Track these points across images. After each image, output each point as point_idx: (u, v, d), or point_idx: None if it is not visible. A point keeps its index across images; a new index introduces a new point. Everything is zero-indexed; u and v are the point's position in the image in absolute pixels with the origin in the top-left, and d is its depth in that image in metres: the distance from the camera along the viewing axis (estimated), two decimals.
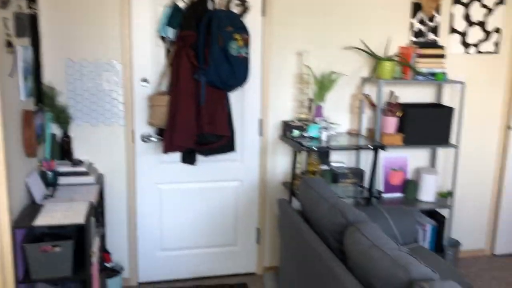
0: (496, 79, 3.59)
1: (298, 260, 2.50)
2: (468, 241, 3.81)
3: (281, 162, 3.34)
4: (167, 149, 2.88)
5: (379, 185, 3.50)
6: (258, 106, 3.23)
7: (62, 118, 2.88)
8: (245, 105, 3.20)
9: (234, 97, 3.16)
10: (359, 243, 1.94)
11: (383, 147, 3.03)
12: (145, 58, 2.99)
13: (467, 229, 3.79)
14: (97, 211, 2.80)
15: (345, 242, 2.05)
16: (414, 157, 3.59)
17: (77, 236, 2.39)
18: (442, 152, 3.61)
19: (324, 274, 2.09)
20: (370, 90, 3.37)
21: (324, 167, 3.34)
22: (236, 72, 2.86)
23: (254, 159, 3.30)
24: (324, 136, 3.11)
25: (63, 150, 2.91)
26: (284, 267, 2.85)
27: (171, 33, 2.92)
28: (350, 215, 2.20)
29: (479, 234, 3.84)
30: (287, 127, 3.17)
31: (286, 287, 2.79)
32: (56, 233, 2.35)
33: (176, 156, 3.15)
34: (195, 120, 2.86)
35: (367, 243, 1.91)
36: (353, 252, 1.94)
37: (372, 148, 3.06)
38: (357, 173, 3.33)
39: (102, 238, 3.01)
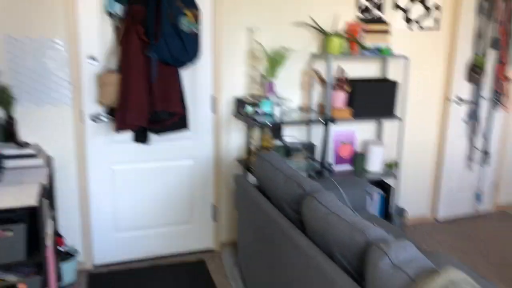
0: (436, 54, 3.77)
1: (257, 233, 2.56)
2: (413, 208, 4.04)
3: (235, 139, 3.36)
4: (120, 128, 2.82)
5: (330, 158, 3.61)
6: (210, 82, 3.21)
7: (4, 98, 2.74)
8: (197, 82, 3.18)
9: (185, 74, 3.12)
10: (317, 211, 2.01)
11: (333, 121, 3.13)
12: (92, 35, 2.89)
13: (412, 197, 4.01)
14: (48, 194, 2.71)
15: (303, 211, 2.12)
16: (362, 130, 3.73)
17: (29, 220, 2.31)
18: (388, 125, 3.77)
19: (284, 244, 2.15)
20: (319, 65, 3.44)
21: (278, 142, 3.40)
22: (188, 48, 2.83)
23: (207, 137, 3.30)
24: (277, 111, 3.15)
25: (7, 132, 2.78)
26: (242, 240, 2.90)
27: (119, 8, 2.83)
28: (306, 185, 2.27)
29: (423, 201, 4.07)
30: (240, 103, 3.19)
31: (245, 260, 2.84)
32: (7, 217, 2.26)
33: (128, 135, 3.09)
34: (147, 98, 2.81)
35: (324, 210, 1.98)
36: (311, 220, 2.01)
37: (323, 122, 3.14)
38: (309, 147, 3.42)
39: (54, 221, 2.92)
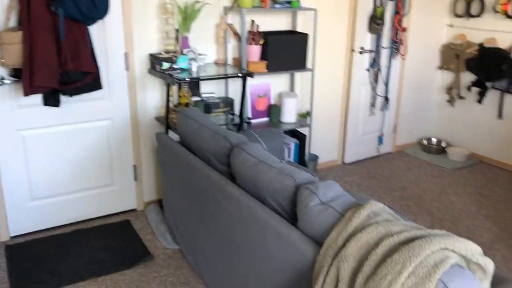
0: (341, 7, 3.95)
1: (185, 188, 2.60)
2: (324, 154, 4.32)
3: (151, 97, 3.31)
4: (28, 91, 2.64)
5: (247, 111, 3.70)
6: (122, 39, 3.09)
7: None
8: (108, 38, 3.04)
9: (94, 30, 2.97)
10: (246, 161, 2.10)
11: (251, 75, 3.20)
12: None
13: (323, 143, 4.28)
14: None
15: (232, 163, 2.20)
16: (276, 83, 3.85)
17: None
18: (299, 76, 3.94)
19: (216, 195, 2.22)
20: (232, 19, 3.45)
21: (196, 98, 3.40)
22: (97, 3, 2.68)
23: (123, 96, 3.20)
24: (194, 67, 3.14)
25: None
26: (169, 197, 2.93)
27: None
28: (233, 138, 2.35)
29: (332, 147, 4.36)
30: (155, 60, 3.12)
31: (173, 215, 2.89)
32: None
33: (37, 98, 2.90)
34: (56, 57, 2.65)
35: (253, 160, 2.08)
36: (241, 170, 2.10)
37: (241, 76, 3.20)
38: (227, 101, 3.47)
39: None
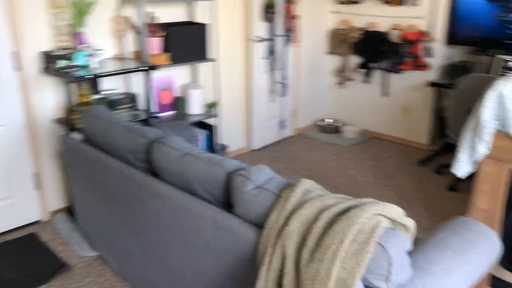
0: None
1: (102, 191, 2.47)
2: (232, 142, 4.37)
3: (48, 98, 3.07)
4: None
5: (152, 106, 3.61)
6: (8, 37, 2.81)
7: None
8: None
9: None
10: (170, 155, 2.06)
11: (155, 68, 3.12)
12: None
13: (230, 132, 4.33)
14: None
15: (153, 159, 2.14)
16: (178, 75, 3.80)
17: None
18: (202, 67, 3.93)
19: (139, 194, 2.15)
20: (129, 12, 3.32)
21: (97, 96, 3.23)
22: None
23: (15, 99, 2.92)
24: (93, 63, 2.98)
25: None
26: (81, 203, 2.76)
27: None
28: (150, 133, 2.29)
29: (240, 135, 4.44)
30: (49, 58, 2.90)
31: (88, 221, 2.73)
32: None
33: None
34: None
35: (176, 153, 2.05)
36: (165, 165, 2.06)
37: (144, 69, 3.11)
38: (131, 97, 3.35)
39: None
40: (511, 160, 2.13)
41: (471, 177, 3.71)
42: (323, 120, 5.19)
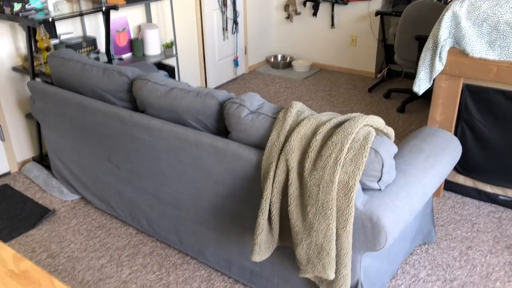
0: None
1: (82, 133, 2.49)
2: (190, 83, 4.40)
3: (3, 45, 2.93)
4: None
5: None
6: None
7: None
8: None
9: None
10: (156, 90, 2.12)
11: (115, 7, 3.05)
12: None
13: (187, 72, 4.35)
14: None
15: (138, 95, 2.19)
16: (132, 16, 3.72)
17: None
18: (154, 6, 3.86)
19: (127, 131, 2.21)
20: None
21: (54, 40, 3.13)
22: None
23: None
24: (50, 5, 2.87)
25: None
26: (57, 149, 2.76)
27: None
28: (128, 72, 2.31)
29: (195, 75, 4.47)
30: (1, 1, 2.75)
31: (69, 166, 2.74)
32: None
33: None
34: None
35: (163, 88, 2.12)
36: (153, 100, 2.13)
37: (105, 10, 3.03)
38: (89, 40, 3.27)
39: None
40: (464, 75, 2.39)
41: (416, 98, 4.04)
42: (273, 56, 5.31)
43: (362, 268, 1.75)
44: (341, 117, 1.71)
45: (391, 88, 4.35)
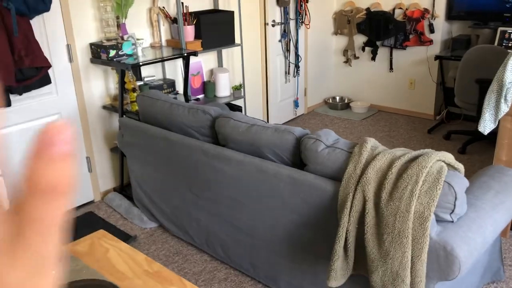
0: None
1: (165, 165, 2.75)
2: None
3: (95, 86, 3.31)
4: None
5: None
6: (63, 30, 3.04)
7: None
8: (48, 31, 2.97)
9: (33, 24, 2.88)
10: (238, 127, 2.35)
11: (195, 54, 3.38)
12: None
13: (251, 112, 4.61)
14: None
15: (221, 131, 2.42)
16: (206, 61, 4.06)
17: None
18: (226, 52, 4.19)
19: (210, 163, 2.43)
20: (162, 2, 3.56)
21: (139, 82, 3.48)
22: None
23: (69, 88, 3.16)
24: (139, 51, 3.23)
25: None
26: (140, 179, 3.03)
27: None
28: (211, 111, 2.56)
29: (259, 115, 4.72)
30: (99, 48, 3.13)
31: (151, 195, 2.99)
32: None
33: None
34: (10, 55, 2.56)
35: (244, 125, 2.34)
36: (235, 136, 2.35)
37: (185, 56, 3.36)
38: (169, 82, 3.61)
39: None
40: None
41: (477, 140, 4.07)
42: (331, 97, 5.51)
43: None
44: (414, 152, 1.85)
45: (451, 130, 4.41)
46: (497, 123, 2.56)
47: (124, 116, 3.20)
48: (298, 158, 2.18)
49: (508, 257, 2.64)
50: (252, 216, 2.33)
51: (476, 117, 3.89)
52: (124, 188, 3.47)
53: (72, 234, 2.74)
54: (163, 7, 3.55)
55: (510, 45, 3.99)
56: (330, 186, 1.95)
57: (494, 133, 2.69)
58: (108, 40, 3.22)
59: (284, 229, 2.20)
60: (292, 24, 4.75)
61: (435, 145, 4.29)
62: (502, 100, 2.48)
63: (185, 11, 3.56)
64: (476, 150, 4.09)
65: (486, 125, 2.57)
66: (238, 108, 4.07)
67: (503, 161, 2.65)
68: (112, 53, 3.11)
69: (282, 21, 4.63)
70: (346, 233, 1.85)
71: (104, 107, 3.36)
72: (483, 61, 3.76)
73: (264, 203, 2.24)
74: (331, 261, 1.88)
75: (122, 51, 3.16)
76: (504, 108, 2.49)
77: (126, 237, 2.96)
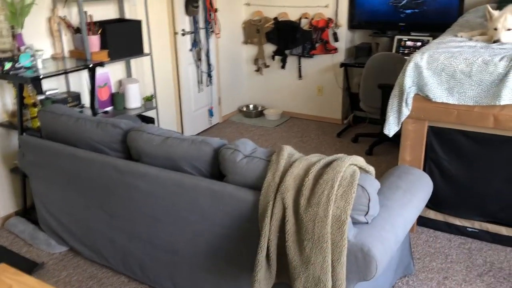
0: None
1: (74, 184, 2.56)
2: None
3: None
4: None
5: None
6: None
7: None
8: None
9: None
10: (151, 140, 2.26)
11: (101, 64, 3.21)
12: None
13: (165, 124, 4.49)
14: None
15: (134, 145, 2.32)
16: (113, 71, 3.88)
17: None
18: (134, 62, 4.04)
19: (122, 180, 2.31)
20: (62, 11, 3.35)
21: (40, 96, 3.23)
22: None
23: None
24: (39, 64, 3.00)
25: None
26: (46, 200, 2.80)
27: None
28: (122, 124, 2.45)
29: (173, 126, 4.62)
30: None
31: (59, 217, 2.78)
32: None
33: None
34: None
35: (158, 138, 2.26)
36: (149, 149, 2.26)
37: (90, 67, 3.18)
38: (74, 96, 3.40)
39: None
40: (429, 118, 2.66)
41: (382, 142, 4.32)
42: (245, 106, 5.55)
43: None
44: (328, 158, 1.89)
45: (358, 133, 4.64)
46: (400, 125, 2.73)
47: (24, 133, 2.94)
48: (216, 169, 2.14)
49: (416, 250, 2.82)
50: (171, 232, 2.25)
51: (381, 120, 4.13)
52: (27, 212, 3.19)
53: None
54: (65, 16, 3.34)
55: (406, 52, 4.29)
56: (251, 196, 1.93)
57: (397, 135, 2.86)
58: (2, 52, 2.95)
59: (206, 243, 2.15)
60: (202, 33, 4.72)
61: (345, 148, 4.49)
62: (404, 104, 2.65)
63: (89, 20, 3.38)
64: (382, 151, 4.34)
65: (390, 128, 2.72)
66: (150, 120, 3.95)
67: (407, 161, 2.83)
68: (8, 65, 2.86)
69: (192, 30, 4.58)
70: (268, 242, 1.85)
71: (1, 125, 3.07)
72: (384, 68, 4.01)
73: (183, 218, 2.17)
74: (254, 272, 1.86)
75: (19, 63, 2.91)
76: (405, 112, 2.66)
77: (32, 265, 2.72)
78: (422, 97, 2.63)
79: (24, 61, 2.93)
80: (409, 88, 2.62)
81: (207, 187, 2.04)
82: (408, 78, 2.60)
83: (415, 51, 3.04)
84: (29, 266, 2.71)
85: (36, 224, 3.02)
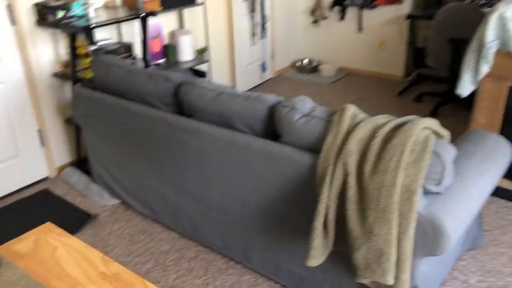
0: None
1: (126, 138, 2.51)
2: None
3: (44, 52, 2.98)
4: None
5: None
6: None
7: None
8: None
9: None
10: (204, 95, 2.13)
11: (154, 14, 3.08)
12: None
13: (217, 77, 4.37)
14: None
15: (186, 100, 2.20)
16: (166, 22, 3.76)
17: None
18: (187, 13, 3.89)
19: (176, 135, 2.22)
20: None
21: (93, 47, 3.17)
22: None
23: (13, 54, 2.83)
24: (91, 12, 2.91)
25: None
26: (99, 153, 2.79)
27: None
28: (174, 77, 2.33)
29: (225, 80, 4.49)
30: (45, 9, 2.80)
31: (111, 170, 2.76)
32: None
33: None
34: None
35: (211, 93, 2.13)
36: (201, 104, 2.14)
37: (143, 16, 3.06)
38: (126, 46, 3.31)
39: None
40: (510, 77, 2.36)
41: (447, 102, 4.00)
42: (300, 60, 5.31)
43: (419, 273, 1.73)
44: (398, 120, 1.69)
45: (422, 92, 4.32)
46: (477, 84, 2.45)
47: (77, 84, 2.91)
48: (271, 128, 1.99)
49: (486, 222, 2.59)
50: (222, 191, 2.16)
51: (450, 78, 3.80)
52: (82, 163, 3.22)
53: (25, 214, 2.49)
54: None
55: (483, 2, 3.86)
56: (308, 159, 1.78)
57: (466, 96, 2.58)
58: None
59: (258, 205, 2.04)
60: None
61: (407, 108, 4.20)
62: (483, 61, 2.35)
63: None
64: (449, 113, 4.02)
65: (465, 87, 2.45)
66: (202, 74, 3.83)
67: (482, 124, 2.56)
68: (60, 14, 2.79)
69: None
70: (326, 209, 1.70)
71: (55, 75, 3.05)
72: (456, 20, 3.63)
73: (234, 178, 2.06)
74: (310, 239, 1.74)
75: (72, 12, 2.84)
76: (484, 69, 2.37)
77: (86, 216, 2.75)
78: (505, 53, 2.33)
79: (76, 10, 2.85)
80: (491, 43, 2.31)
81: (261, 148, 1.91)
82: (491, 31, 2.29)
83: (492, 1, 2.68)
84: (82, 217, 2.73)
85: (90, 176, 3.04)
